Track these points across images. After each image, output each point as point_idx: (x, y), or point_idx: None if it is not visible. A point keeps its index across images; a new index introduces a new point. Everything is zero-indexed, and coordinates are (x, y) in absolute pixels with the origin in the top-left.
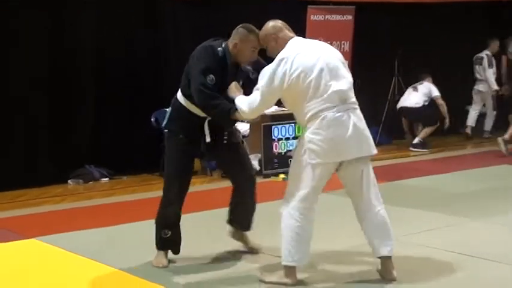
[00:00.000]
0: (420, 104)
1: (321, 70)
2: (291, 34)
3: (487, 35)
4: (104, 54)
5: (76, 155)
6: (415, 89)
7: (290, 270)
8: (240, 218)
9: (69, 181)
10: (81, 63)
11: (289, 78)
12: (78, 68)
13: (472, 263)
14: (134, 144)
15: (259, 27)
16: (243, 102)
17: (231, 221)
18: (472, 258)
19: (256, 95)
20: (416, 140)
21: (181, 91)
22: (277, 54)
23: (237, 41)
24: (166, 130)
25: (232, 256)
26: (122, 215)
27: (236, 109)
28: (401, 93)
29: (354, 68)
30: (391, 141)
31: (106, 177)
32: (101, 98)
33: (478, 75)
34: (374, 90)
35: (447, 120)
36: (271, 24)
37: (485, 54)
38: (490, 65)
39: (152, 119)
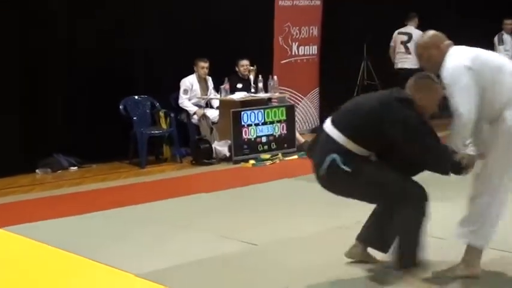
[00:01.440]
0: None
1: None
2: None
3: (454, 21)
4: (73, 44)
5: (44, 144)
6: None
7: None
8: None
9: (37, 170)
10: (50, 53)
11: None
12: (46, 57)
13: (439, 242)
14: (103, 132)
15: (227, 12)
16: (453, 137)
17: None
18: (441, 239)
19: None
20: None
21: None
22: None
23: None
24: None
25: None
26: (91, 203)
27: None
28: (371, 78)
29: (323, 53)
30: None
31: (75, 166)
32: (69, 86)
33: None
34: (343, 75)
35: None
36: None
37: None
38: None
39: (121, 107)
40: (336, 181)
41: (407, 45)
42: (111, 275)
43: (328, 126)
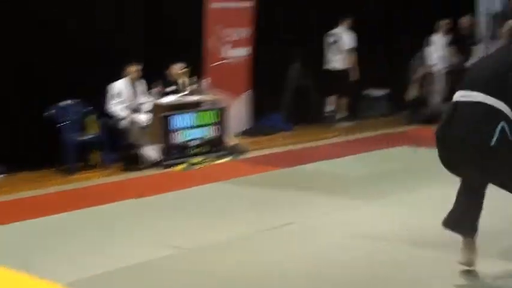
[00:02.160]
0: None
1: None
2: None
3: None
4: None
5: None
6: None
7: None
8: None
9: None
10: None
11: None
12: None
13: (367, 244)
14: (29, 139)
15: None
16: None
17: None
18: (367, 239)
19: None
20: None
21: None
22: None
23: None
24: None
25: None
26: (18, 212)
27: None
28: (304, 79)
29: (256, 56)
30: (292, 128)
31: (1, 174)
32: None
33: None
34: (276, 77)
35: None
36: None
37: None
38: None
39: (48, 112)
40: (503, 154)
41: (337, 46)
42: (37, 286)
43: (468, 95)
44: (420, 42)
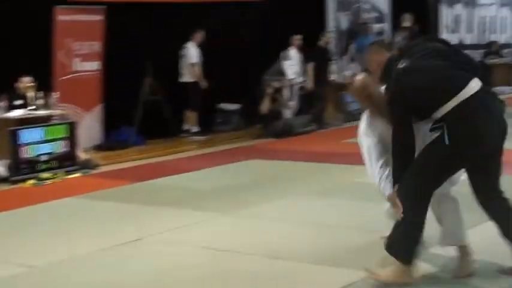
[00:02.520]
0: None
1: None
2: None
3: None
4: None
5: None
6: None
7: None
8: None
9: None
10: None
11: None
12: None
13: (218, 258)
14: None
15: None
16: None
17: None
18: (219, 252)
19: None
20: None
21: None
22: None
23: None
24: None
25: None
26: None
27: None
28: (155, 93)
29: (106, 69)
30: (144, 142)
31: None
32: None
33: None
34: (127, 90)
35: None
36: None
37: None
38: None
39: None
40: None
41: (186, 60)
42: None
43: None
44: (273, 57)
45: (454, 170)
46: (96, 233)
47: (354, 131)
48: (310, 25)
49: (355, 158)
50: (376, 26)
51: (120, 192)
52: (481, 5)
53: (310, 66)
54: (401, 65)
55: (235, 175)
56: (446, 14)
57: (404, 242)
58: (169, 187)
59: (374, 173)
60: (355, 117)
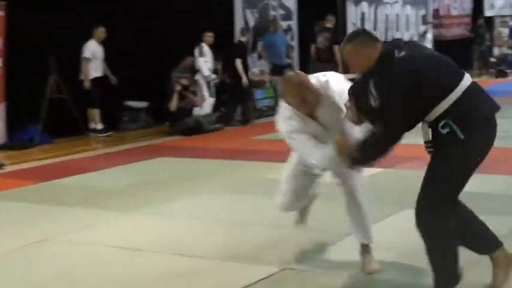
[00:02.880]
0: None
1: None
2: None
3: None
4: None
5: None
6: None
7: None
8: None
9: None
10: None
11: None
12: None
13: (126, 256)
14: None
15: None
16: None
17: None
18: (127, 250)
19: None
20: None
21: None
22: None
23: None
24: None
25: None
26: None
27: None
28: (61, 92)
29: (10, 67)
30: (51, 141)
31: None
32: None
33: None
34: (32, 88)
35: None
36: None
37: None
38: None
39: None
40: None
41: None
42: None
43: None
44: (180, 54)
45: (477, 165)
46: (4, 233)
47: (262, 128)
48: (219, 22)
49: (264, 154)
50: (284, 23)
51: (25, 192)
52: (385, 3)
53: (238, 61)
54: (400, 54)
55: (144, 173)
56: (352, 12)
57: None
58: (76, 186)
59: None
60: (264, 114)
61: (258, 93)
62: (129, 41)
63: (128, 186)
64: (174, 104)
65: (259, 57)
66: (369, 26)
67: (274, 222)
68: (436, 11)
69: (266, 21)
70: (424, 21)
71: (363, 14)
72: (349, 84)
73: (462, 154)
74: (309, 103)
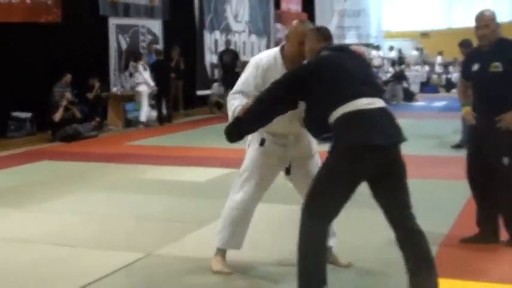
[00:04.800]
0: None
1: None
2: None
3: None
4: None
5: None
6: None
7: None
8: None
9: None
10: None
11: None
12: None
13: (7, 247)
14: None
15: None
16: None
17: None
18: (8, 242)
19: None
20: None
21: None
22: None
23: None
24: None
25: None
26: None
27: None
28: None
29: None
30: None
31: None
32: None
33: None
34: None
35: None
36: None
37: None
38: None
39: None
40: None
41: None
42: None
43: (371, 102)
44: (58, 72)
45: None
46: None
47: (133, 135)
48: (96, 45)
49: (136, 158)
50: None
51: None
52: (234, 32)
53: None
54: (324, 53)
55: (28, 175)
56: (207, 39)
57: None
58: None
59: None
60: (132, 123)
61: (129, 106)
62: (18, 57)
63: (12, 187)
64: (59, 115)
65: (131, 75)
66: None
67: (141, 215)
68: (279, 40)
69: (136, 44)
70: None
71: (216, 41)
72: None
73: (327, 169)
74: (302, 56)
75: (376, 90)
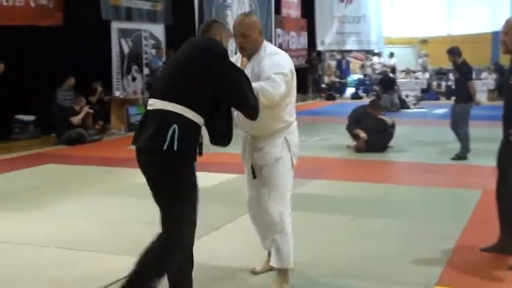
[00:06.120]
0: None
1: None
2: None
3: None
4: None
5: None
6: None
7: (289, 273)
8: None
9: None
10: None
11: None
12: None
13: (15, 251)
14: None
15: None
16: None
17: None
18: (17, 245)
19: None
20: None
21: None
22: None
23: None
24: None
25: None
26: None
27: None
28: None
29: None
30: None
31: None
32: None
33: None
34: None
35: None
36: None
37: None
38: None
39: None
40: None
41: None
42: None
43: (152, 103)
44: (63, 76)
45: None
46: None
47: None
48: (98, 49)
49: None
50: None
51: None
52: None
53: None
54: None
55: (33, 178)
56: None
57: None
58: None
59: None
60: (136, 127)
61: (132, 110)
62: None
63: (18, 190)
64: (77, 119)
65: (133, 79)
66: None
67: (146, 220)
68: (279, 45)
69: (139, 49)
70: None
71: None
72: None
73: None
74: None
75: (169, 91)
